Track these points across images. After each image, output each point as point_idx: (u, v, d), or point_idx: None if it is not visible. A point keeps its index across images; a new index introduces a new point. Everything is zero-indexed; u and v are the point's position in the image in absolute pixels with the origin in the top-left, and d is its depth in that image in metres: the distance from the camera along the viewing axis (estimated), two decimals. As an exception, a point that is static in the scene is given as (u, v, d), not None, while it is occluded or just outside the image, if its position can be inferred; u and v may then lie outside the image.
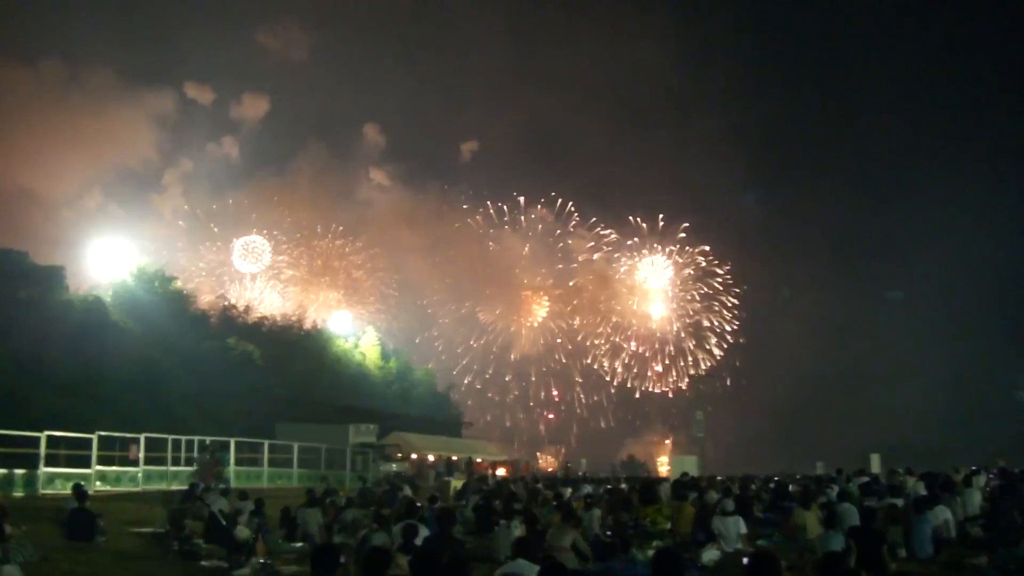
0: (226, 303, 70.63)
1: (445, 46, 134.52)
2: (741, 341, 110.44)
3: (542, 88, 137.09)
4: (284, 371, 63.21)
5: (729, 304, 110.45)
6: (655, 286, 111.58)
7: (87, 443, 32.68)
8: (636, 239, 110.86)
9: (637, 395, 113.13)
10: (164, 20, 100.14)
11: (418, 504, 19.07)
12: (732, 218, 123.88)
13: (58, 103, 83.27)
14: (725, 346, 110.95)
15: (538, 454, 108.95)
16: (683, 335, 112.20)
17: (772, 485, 33.46)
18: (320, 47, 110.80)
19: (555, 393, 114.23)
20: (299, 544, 18.89)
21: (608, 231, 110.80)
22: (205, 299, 69.60)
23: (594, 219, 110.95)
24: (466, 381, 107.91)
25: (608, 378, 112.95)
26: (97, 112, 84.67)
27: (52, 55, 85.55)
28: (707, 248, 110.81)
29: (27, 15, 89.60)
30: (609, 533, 18.20)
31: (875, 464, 49.49)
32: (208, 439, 39.46)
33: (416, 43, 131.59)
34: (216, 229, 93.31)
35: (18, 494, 28.43)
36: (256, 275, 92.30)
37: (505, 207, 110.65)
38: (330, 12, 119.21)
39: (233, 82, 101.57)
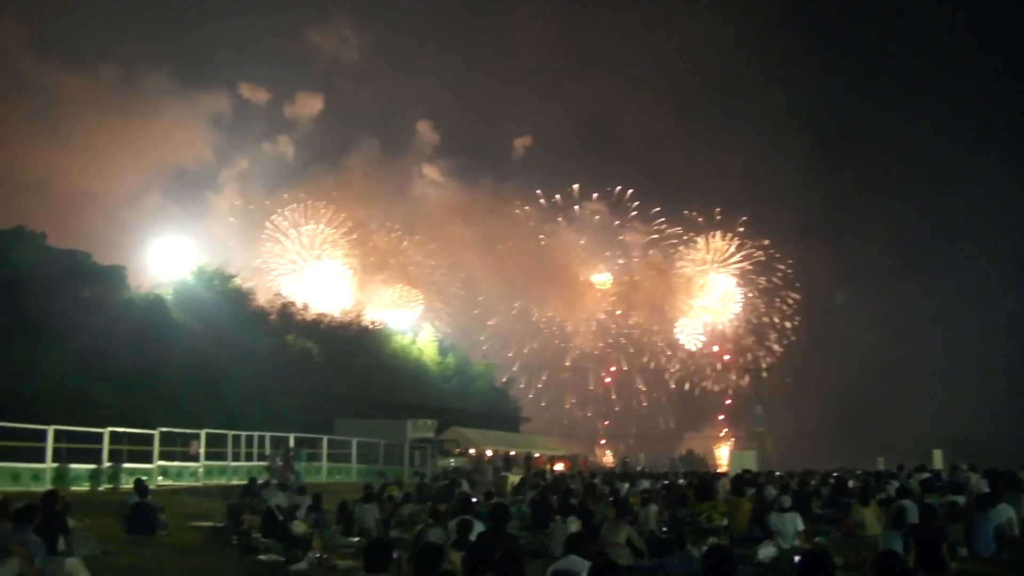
0: (285, 301, 71.21)
1: (496, 41, 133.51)
2: (802, 337, 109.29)
3: (594, 79, 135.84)
4: (343, 367, 63.71)
5: (790, 300, 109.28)
6: (714, 281, 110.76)
7: (149, 439, 33.23)
8: (693, 233, 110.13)
9: (696, 390, 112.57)
10: (216, 23, 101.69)
11: (474, 500, 19.11)
12: (790, 208, 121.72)
13: (115, 106, 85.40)
14: (785, 340, 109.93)
15: (597, 449, 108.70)
16: (742, 329, 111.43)
17: (832, 481, 33.06)
18: (372, 45, 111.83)
19: (609, 376, 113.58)
20: (356, 539, 19.01)
21: (664, 224, 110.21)
22: (262, 296, 70.30)
23: (651, 211, 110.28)
24: (524, 377, 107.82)
25: (667, 373, 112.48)
26: (153, 114, 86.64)
27: (109, 60, 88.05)
28: (767, 242, 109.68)
29: (84, 22, 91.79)
30: (665, 529, 18.11)
31: (938, 460, 48.84)
32: (267, 435, 39.98)
33: (467, 39, 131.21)
34: (271, 226, 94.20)
35: (82, 488, 28.96)
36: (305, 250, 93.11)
37: (559, 201, 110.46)
38: (381, 10, 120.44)
39: (286, 82, 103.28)
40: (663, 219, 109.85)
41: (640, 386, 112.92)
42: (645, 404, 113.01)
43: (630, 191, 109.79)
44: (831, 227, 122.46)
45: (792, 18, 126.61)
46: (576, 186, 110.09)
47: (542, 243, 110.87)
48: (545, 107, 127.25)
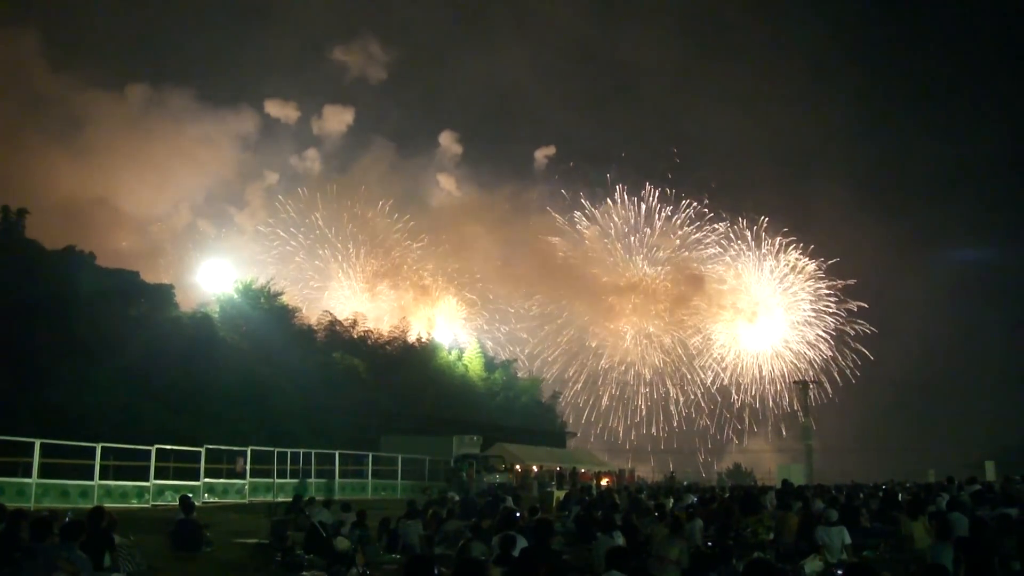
0: (331, 318, 71.33)
1: (520, 49, 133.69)
2: (852, 345, 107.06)
3: (617, 76, 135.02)
4: (388, 384, 63.78)
5: (837, 298, 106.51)
6: (753, 284, 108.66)
7: (195, 456, 33.47)
8: (730, 233, 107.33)
9: (742, 401, 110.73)
10: (242, 42, 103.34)
11: (518, 515, 19.04)
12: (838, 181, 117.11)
13: (141, 125, 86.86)
14: (834, 349, 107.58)
15: (643, 464, 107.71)
16: (788, 335, 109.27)
17: (881, 494, 32.62)
18: (397, 61, 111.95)
19: (647, 390, 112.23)
20: (398, 555, 19.00)
21: (697, 223, 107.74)
22: (304, 312, 70.44)
23: (677, 210, 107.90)
24: (567, 390, 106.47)
25: (711, 383, 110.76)
26: (180, 132, 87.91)
27: (137, 80, 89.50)
28: (798, 242, 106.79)
29: (109, 41, 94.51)
30: (710, 544, 17.93)
31: (990, 471, 48.14)
32: (313, 451, 40.17)
33: (490, 48, 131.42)
34: (296, 240, 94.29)
35: (129, 505, 29.20)
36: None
37: (587, 208, 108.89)
38: (406, 26, 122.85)
39: (313, 99, 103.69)
40: (694, 215, 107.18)
41: (684, 398, 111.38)
42: (688, 408, 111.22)
43: (656, 192, 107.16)
44: (883, 202, 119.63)
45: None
46: (599, 190, 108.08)
47: (574, 252, 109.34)
48: (569, 114, 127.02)
